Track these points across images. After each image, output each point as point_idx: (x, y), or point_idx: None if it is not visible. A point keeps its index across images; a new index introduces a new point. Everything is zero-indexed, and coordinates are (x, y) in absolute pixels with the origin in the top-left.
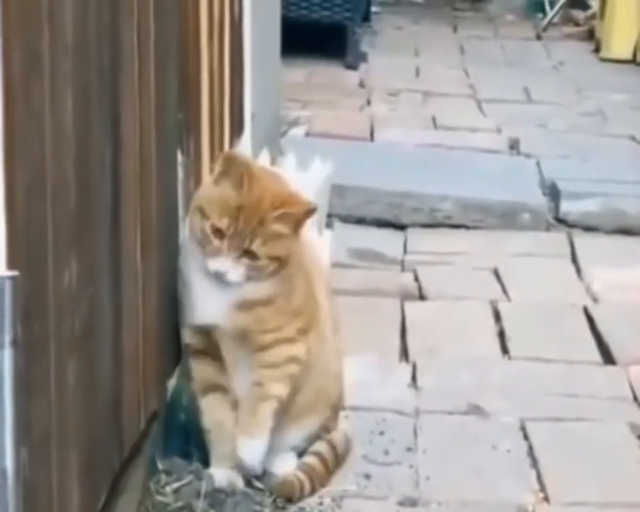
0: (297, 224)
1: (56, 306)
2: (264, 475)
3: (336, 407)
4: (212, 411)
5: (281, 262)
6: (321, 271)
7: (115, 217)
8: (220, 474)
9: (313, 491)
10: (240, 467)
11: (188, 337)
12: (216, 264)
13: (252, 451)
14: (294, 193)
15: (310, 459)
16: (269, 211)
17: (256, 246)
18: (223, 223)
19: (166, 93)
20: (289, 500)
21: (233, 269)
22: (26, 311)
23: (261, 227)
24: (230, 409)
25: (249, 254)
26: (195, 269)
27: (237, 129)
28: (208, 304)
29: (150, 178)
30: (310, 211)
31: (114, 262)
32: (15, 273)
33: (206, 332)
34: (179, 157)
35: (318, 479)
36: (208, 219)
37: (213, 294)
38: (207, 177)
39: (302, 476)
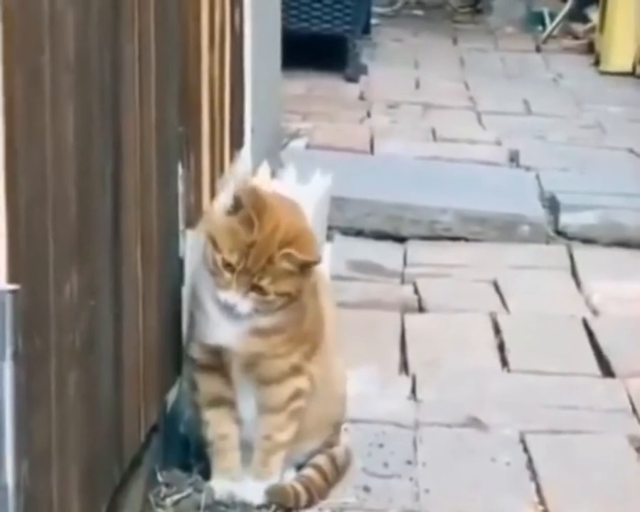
0: (303, 268)
1: (57, 319)
2: None
3: (338, 425)
4: (217, 424)
5: (290, 298)
6: (327, 287)
7: (116, 231)
8: (221, 487)
9: (310, 502)
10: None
11: (196, 352)
12: (226, 295)
13: (260, 492)
14: (305, 231)
15: (308, 471)
16: (278, 249)
17: (265, 283)
18: (233, 259)
19: (167, 107)
20: (285, 508)
21: (242, 302)
22: (27, 325)
23: (270, 266)
24: (235, 423)
25: (258, 289)
26: (208, 292)
27: (237, 142)
28: (221, 327)
29: (151, 191)
30: (314, 262)
31: (115, 275)
32: (16, 287)
33: (216, 351)
34: (180, 170)
35: (317, 491)
36: (220, 252)
37: (227, 318)
38: (207, 191)
39: (299, 486)
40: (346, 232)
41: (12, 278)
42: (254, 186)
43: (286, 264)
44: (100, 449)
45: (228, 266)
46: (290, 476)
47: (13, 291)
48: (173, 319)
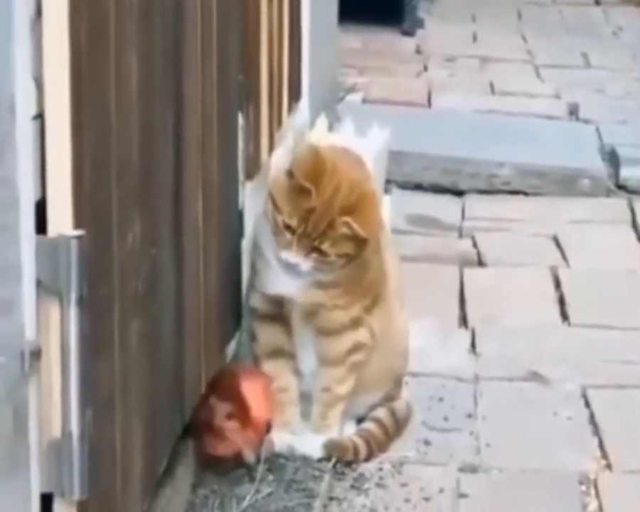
0: (360, 242)
1: (120, 266)
2: None
3: (399, 379)
4: (276, 376)
5: (351, 257)
6: (390, 240)
7: (177, 179)
8: (280, 440)
9: (370, 455)
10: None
11: (257, 301)
12: (287, 255)
13: (319, 446)
14: (367, 194)
15: (369, 425)
16: (338, 215)
17: (325, 247)
18: (293, 222)
19: (228, 56)
20: (344, 461)
21: (303, 262)
22: (91, 271)
23: (330, 231)
24: (293, 375)
25: (318, 251)
26: (270, 245)
27: (295, 95)
28: (282, 278)
29: (212, 141)
30: (372, 237)
31: (176, 224)
32: (81, 232)
33: (276, 300)
34: (240, 121)
35: (377, 444)
36: (280, 213)
37: (288, 272)
38: (266, 143)
39: (358, 440)
40: (404, 186)
41: (77, 224)
42: (312, 147)
43: (346, 230)
44: (162, 400)
45: (289, 228)
46: (350, 429)
47: (79, 237)
48: (232, 271)
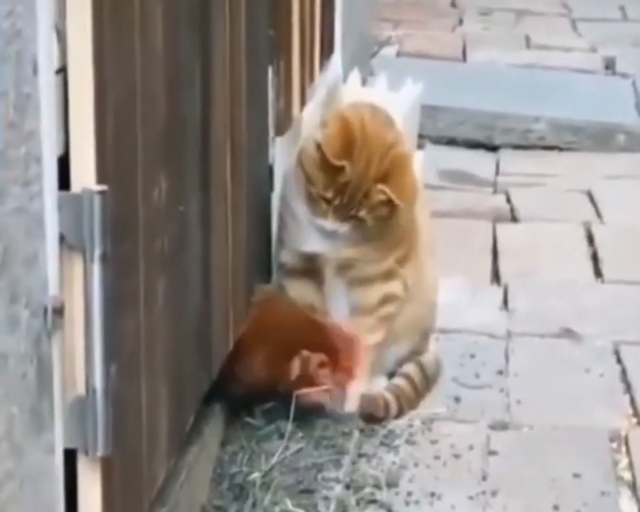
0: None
1: (145, 223)
2: None
3: (427, 332)
4: None
5: (387, 218)
6: (422, 195)
7: (205, 135)
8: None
9: (400, 412)
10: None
11: (286, 257)
12: (323, 223)
13: (348, 400)
14: (400, 156)
15: (399, 381)
16: (374, 183)
17: (362, 214)
18: (329, 194)
19: (257, 9)
20: (374, 417)
21: (340, 227)
22: (116, 227)
23: (366, 200)
24: None
25: (355, 218)
26: (300, 203)
27: (327, 49)
28: (315, 236)
29: (240, 95)
30: (409, 200)
31: (204, 180)
32: (104, 187)
33: (307, 257)
34: (270, 75)
35: (407, 401)
36: (313, 185)
37: (321, 231)
38: (297, 98)
39: (389, 396)
40: (438, 141)
41: (100, 179)
42: (339, 117)
43: (382, 197)
44: (188, 357)
45: (324, 199)
46: (381, 384)
47: (102, 192)
48: (262, 226)
